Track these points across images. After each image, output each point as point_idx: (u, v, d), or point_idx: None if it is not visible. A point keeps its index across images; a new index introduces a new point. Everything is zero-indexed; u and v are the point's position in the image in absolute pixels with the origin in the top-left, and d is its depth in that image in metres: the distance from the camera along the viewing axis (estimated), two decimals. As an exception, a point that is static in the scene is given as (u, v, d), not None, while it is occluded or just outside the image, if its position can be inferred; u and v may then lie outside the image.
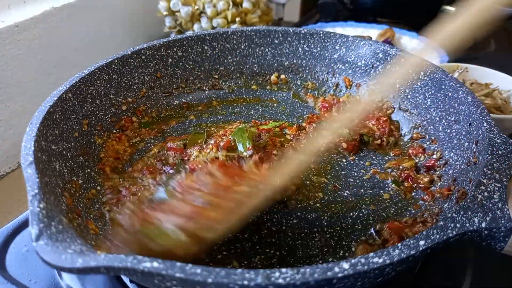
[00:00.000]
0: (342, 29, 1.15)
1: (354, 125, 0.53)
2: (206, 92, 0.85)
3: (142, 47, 0.77)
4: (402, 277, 0.55)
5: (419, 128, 0.71)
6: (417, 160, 0.67)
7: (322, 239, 0.55)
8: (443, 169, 0.63)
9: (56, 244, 0.39)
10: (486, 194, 0.45)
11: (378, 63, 0.78)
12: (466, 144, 0.59)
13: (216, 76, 0.86)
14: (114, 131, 0.72)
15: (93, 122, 0.69)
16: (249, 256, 0.53)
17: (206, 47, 0.84)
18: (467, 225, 0.42)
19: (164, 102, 0.81)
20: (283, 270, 0.36)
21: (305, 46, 0.84)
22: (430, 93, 0.69)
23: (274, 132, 0.70)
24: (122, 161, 0.68)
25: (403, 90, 0.74)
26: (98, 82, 0.70)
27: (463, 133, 0.61)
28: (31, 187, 0.45)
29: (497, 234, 0.43)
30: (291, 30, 0.84)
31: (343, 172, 0.66)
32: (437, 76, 0.68)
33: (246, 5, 1.08)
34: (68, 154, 0.61)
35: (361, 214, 0.58)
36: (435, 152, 0.66)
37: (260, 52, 0.86)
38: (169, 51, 0.81)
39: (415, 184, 0.63)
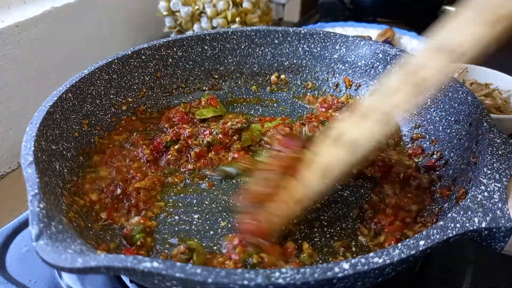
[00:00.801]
0: (342, 29, 1.15)
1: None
2: (206, 92, 0.85)
3: (142, 47, 0.77)
4: (402, 277, 0.55)
5: (419, 128, 0.71)
6: (416, 160, 0.67)
7: (322, 239, 0.55)
8: (443, 169, 0.63)
9: (56, 244, 0.39)
10: (486, 194, 0.45)
11: (378, 63, 0.78)
12: (466, 144, 0.59)
13: (216, 76, 0.86)
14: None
15: (93, 122, 0.69)
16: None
17: (206, 47, 0.84)
18: (467, 225, 0.42)
19: (164, 102, 0.81)
20: (283, 270, 0.36)
21: (305, 46, 0.84)
22: (430, 93, 0.69)
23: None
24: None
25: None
26: (98, 82, 0.70)
27: (463, 133, 0.61)
28: (31, 187, 0.45)
29: (497, 234, 0.43)
30: (291, 30, 0.84)
31: (343, 172, 0.66)
32: (437, 76, 0.68)
33: (246, 5, 1.08)
34: (68, 154, 0.61)
35: (361, 214, 0.59)
36: (435, 152, 0.66)
37: (260, 52, 0.86)
38: (169, 51, 0.81)
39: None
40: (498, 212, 0.43)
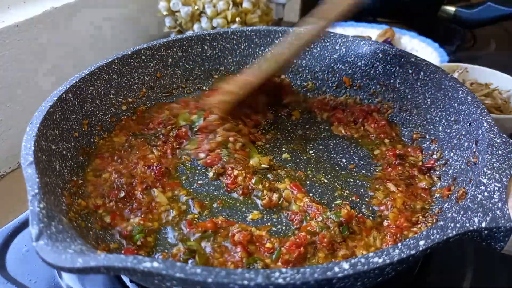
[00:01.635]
0: (342, 29, 1.15)
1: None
2: (206, 92, 0.85)
3: (142, 47, 0.77)
4: (402, 277, 0.55)
5: (419, 128, 0.71)
6: (416, 160, 0.67)
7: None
8: (443, 169, 0.63)
9: (56, 244, 0.39)
10: (486, 194, 0.45)
11: (378, 63, 0.78)
12: (466, 144, 0.59)
13: (216, 76, 0.86)
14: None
15: (93, 122, 0.69)
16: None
17: (206, 47, 0.84)
18: (467, 225, 0.42)
19: (164, 102, 0.81)
20: (283, 270, 0.36)
21: (305, 46, 0.84)
22: (430, 93, 0.69)
23: None
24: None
25: (403, 90, 0.74)
26: (98, 82, 0.70)
27: (463, 133, 0.61)
28: (31, 187, 0.45)
29: (497, 234, 0.43)
30: (291, 30, 0.84)
31: (343, 172, 0.66)
32: (437, 76, 0.68)
33: (246, 5, 1.08)
34: (68, 154, 0.61)
35: (360, 214, 0.58)
36: (435, 152, 0.66)
37: (260, 52, 0.86)
38: (169, 51, 0.81)
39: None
40: (498, 212, 0.43)
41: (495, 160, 0.50)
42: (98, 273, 0.37)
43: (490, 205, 0.44)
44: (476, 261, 0.58)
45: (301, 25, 0.73)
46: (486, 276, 0.58)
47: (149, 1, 1.16)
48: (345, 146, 0.71)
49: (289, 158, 0.69)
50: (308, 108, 0.81)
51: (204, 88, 0.85)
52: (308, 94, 0.85)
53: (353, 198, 0.60)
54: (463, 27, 1.25)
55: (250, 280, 0.35)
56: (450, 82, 0.66)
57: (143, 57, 0.78)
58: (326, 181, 0.64)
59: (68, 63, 0.96)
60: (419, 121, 0.71)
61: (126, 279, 0.54)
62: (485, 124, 0.56)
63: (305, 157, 0.69)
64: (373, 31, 1.15)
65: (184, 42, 0.82)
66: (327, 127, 0.76)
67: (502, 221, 0.43)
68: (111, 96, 0.73)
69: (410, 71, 0.73)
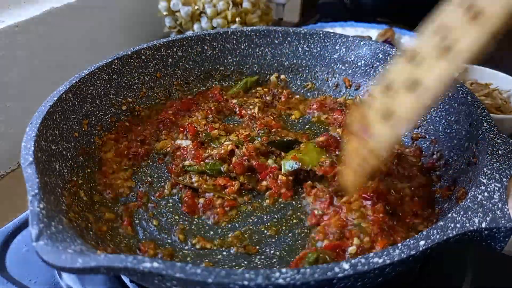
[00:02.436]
0: (342, 29, 1.15)
1: None
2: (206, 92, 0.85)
3: (142, 47, 0.77)
4: (402, 277, 0.55)
5: (419, 128, 0.71)
6: (415, 160, 0.67)
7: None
8: (443, 169, 0.63)
9: (56, 244, 0.39)
10: (486, 194, 0.45)
11: (378, 63, 0.78)
12: (466, 144, 0.59)
13: (216, 76, 0.86)
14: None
15: (93, 122, 0.69)
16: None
17: (206, 47, 0.84)
18: (467, 225, 0.42)
19: (164, 102, 0.81)
20: (283, 270, 0.36)
21: (305, 46, 0.84)
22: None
23: None
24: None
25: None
26: (98, 82, 0.70)
27: (463, 133, 0.61)
28: (31, 187, 0.45)
29: (497, 234, 0.43)
30: (291, 30, 0.84)
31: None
32: (437, 76, 0.68)
33: (246, 5, 1.08)
34: (68, 154, 0.61)
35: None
36: (435, 152, 0.66)
37: (260, 52, 0.86)
38: (169, 51, 0.81)
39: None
40: (498, 212, 0.43)
41: (495, 160, 0.49)
42: (98, 273, 0.37)
43: (490, 205, 0.44)
44: (476, 261, 0.58)
45: None
46: (486, 276, 0.58)
47: (149, 1, 1.16)
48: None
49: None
50: None
51: (204, 88, 0.85)
52: (308, 94, 0.85)
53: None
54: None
55: (250, 280, 0.35)
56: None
57: (143, 57, 0.78)
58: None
59: (68, 63, 0.96)
60: (419, 121, 0.71)
61: (126, 279, 0.54)
62: (485, 124, 0.56)
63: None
64: (373, 31, 1.15)
65: (184, 42, 0.82)
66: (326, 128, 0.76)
67: (502, 221, 0.43)
68: (111, 96, 0.73)
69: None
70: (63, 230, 0.42)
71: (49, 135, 0.57)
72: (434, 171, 0.64)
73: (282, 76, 0.87)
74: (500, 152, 0.51)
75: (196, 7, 1.07)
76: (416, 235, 0.40)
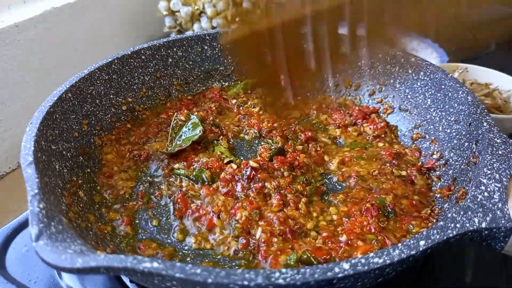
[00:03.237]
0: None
1: None
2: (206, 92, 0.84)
3: (142, 47, 0.77)
4: (402, 277, 0.55)
5: (419, 128, 0.71)
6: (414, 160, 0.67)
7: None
8: (443, 169, 0.63)
9: (56, 244, 0.39)
10: (486, 194, 0.45)
11: (378, 63, 0.78)
12: (466, 144, 0.59)
13: (216, 76, 0.86)
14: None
15: (93, 122, 0.69)
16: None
17: (206, 47, 0.84)
18: (467, 225, 0.42)
19: (164, 102, 0.81)
20: (283, 270, 0.36)
21: (305, 46, 0.84)
22: (430, 93, 0.69)
23: None
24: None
25: (403, 90, 0.74)
26: (98, 82, 0.70)
27: (463, 133, 0.61)
28: (31, 187, 0.45)
29: (497, 234, 0.43)
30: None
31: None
32: (437, 76, 0.68)
33: (246, 5, 1.08)
34: (68, 154, 0.61)
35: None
36: (435, 152, 0.66)
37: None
38: (169, 51, 0.81)
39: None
40: (498, 212, 0.43)
41: (495, 160, 0.49)
42: (98, 273, 0.37)
43: (490, 205, 0.44)
44: (476, 261, 0.58)
45: None
46: (486, 276, 0.58)
47: (149, 1, 1.16)
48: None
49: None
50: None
51: (204, 88, 0.85)
52: (308, 94, 0.85)
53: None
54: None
55: (250, 280, 0.35)
56: (450, 82, 0.66)
57: (143, 57, 0.78)
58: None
59: (68, 63, 0.96)
60: (419, 121, 0.71)
61: (126, 279, 0.54)
62: (485, 124, 0.56)
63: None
64: (373, 31, 1.15)
65: (184, 42, 0.82)
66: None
67: (502, 221, 0.43)
68: (111, 96, 0.73)
69: (410, 71, 0.73)
70: (63, 230, 0.42)
71: (49, 135, 0.57)
72: (434, 171, 0.64)
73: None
74: (500, 152, 0.51)
75: (196, 7, 1.07)
76: (416, 235, 0.40)
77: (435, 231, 0.41)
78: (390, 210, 0.56)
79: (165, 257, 0.52)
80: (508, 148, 0.51)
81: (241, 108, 0.79)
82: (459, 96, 0.63)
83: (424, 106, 0.70)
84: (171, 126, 0.71)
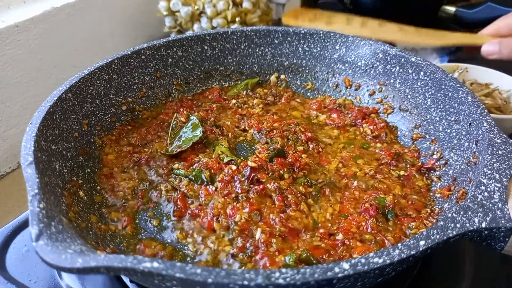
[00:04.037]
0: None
1: None
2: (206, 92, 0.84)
3: (142, 47, 0.77)
4: (402, 277, 0.55)
5: (419, 128, 0.71)
6: (412, 160, 0.67)
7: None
8: (443, 169, 0.63)
9: (56, 244, 0.39)
10: (486, 194, 0.45)
11: (378, 63, 0.78)
12: (466, 144, 0.59)
13: (216, 76, 0.86)
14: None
15: (93, 122, 0.69)
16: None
17: (206, 47, 0.84)
18: (467, 225, 0.42)
19: (164, 102, 0.81)
20: (283, 270, 0.36)
21: (305, 46, 0.84)
22: (430, 93, 0.69)
23: None
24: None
25: (403, 90, 0.74)
26: (98, 82, 0.70)
27: (463, 133, 0.61)
28: (31, 187, 0.45)
29: (497, 234, 0.43)
30: (291, 30, 0.84)
31: (343, 172, 0.66)
32: (437, 76, 0.68)
33: (246, 5, 1.08)
34: (68, 154, 0.61)
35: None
36: (435, 152, 0.66)
37: (260, 52, 0.86)
38: (169, 51, 0.81)
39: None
40: (498, 212, 0.43)
41: (495, 160, 0.49)
42: (98, 273, 0.37)
43: (490, 205, 0.44)
44: (476, 261, 0.58)
45: None
46: (486, 276, 0.58)
47: (149, 1, 1.16)
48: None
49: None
50: None
51: (204, 88, 0.85)
52: (308, 94, 0.85)
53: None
54: (463, 27, 1.25)
55: (250, 280, 0.35)
56: (450, 82, 0.66)
57: (143, 57, 0.78)
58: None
59: (68, 63, 0.96)
60: (419, 121, 0.71)
61: (126, 279, 0.54)
62: (485, 124, 0.56)
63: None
64: (373, 31, 1.15)
65: (184, 42, 0.82)
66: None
67: (502, 221, 0.43)
68: (111, 96, 0.73)
69: (410, 71, 0.73)
70: (63, 230, 0.42)
71: (49, 135, 0.57)
72: (434, 171, 0.64)
73: (282, 76, 0.87)
74: (500, 152, 0.51)
75: (196, 7, 1.07)
76: (416, 235, 0.40)
77: (435, 231, 0.41)
78: (390, 210, 0.56)
79: (165, 257, 0.52)
80: (508, 148, 0.51)
81: (241, 108, 0.80)
82: (459, 96, 0.63)
83: (424, 106, 0.70)
84: (170, 127, 0.71)
